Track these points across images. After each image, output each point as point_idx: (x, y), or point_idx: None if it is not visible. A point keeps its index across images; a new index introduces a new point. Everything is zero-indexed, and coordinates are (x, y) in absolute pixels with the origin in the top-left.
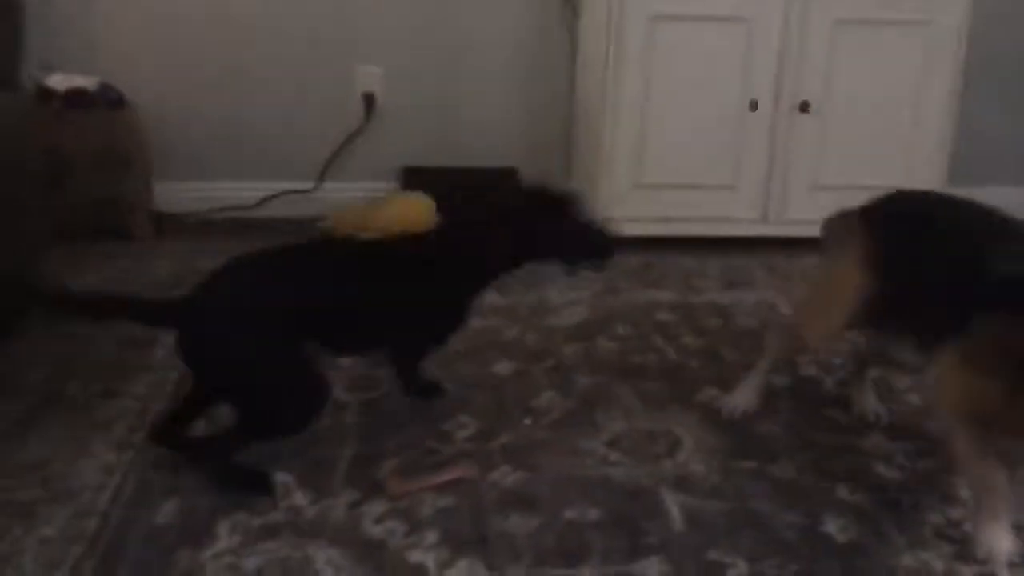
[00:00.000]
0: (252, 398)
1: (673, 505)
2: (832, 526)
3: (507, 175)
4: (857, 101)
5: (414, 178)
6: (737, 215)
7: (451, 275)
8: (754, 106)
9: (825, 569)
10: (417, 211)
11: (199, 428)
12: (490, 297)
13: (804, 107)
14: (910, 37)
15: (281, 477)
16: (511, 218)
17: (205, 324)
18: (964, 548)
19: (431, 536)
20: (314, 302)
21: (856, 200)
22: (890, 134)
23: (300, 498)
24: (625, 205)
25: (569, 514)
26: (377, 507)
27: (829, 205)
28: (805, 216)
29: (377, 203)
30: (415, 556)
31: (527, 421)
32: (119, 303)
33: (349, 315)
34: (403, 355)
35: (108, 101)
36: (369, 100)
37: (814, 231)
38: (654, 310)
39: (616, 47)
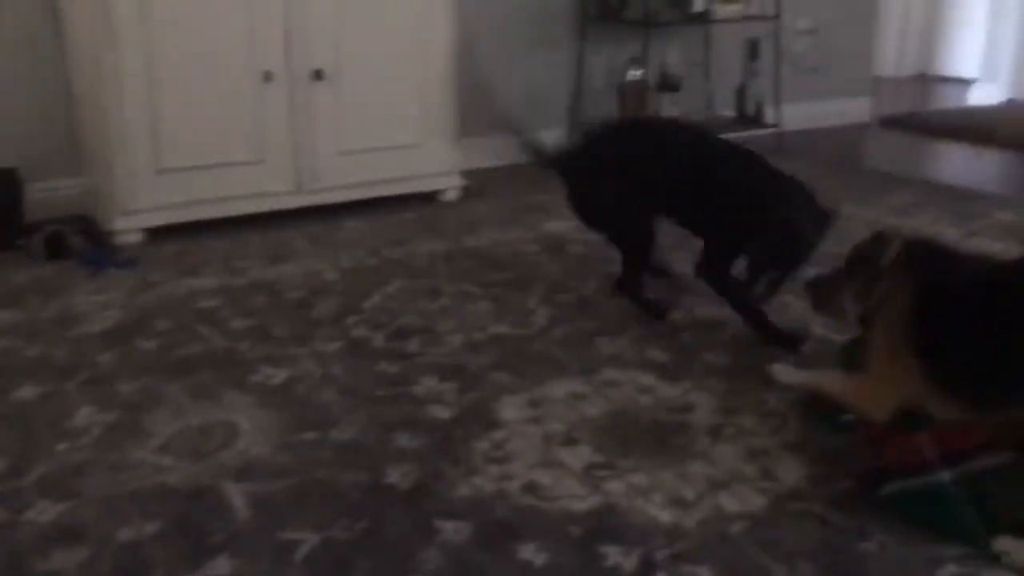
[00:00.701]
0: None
1: (236, 496)
2: (394, 475)
3: (4, 177)
4: (368, 64)
5: None
6: (270, 189)
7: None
8: (268, 77)
9: (391, 517)
10: None
11: None
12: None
13: (318, 75)
14: (405, 1)
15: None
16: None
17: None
18: (506, 466)
19: None
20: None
21: (381, 161)
22: (402, 95)
23: None
24: (148, 193)
25: (124, 534)
26: None
27: (358, 169)
28: (338, 182)
29: None
30: None
31: None
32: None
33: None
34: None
35: None
36: None
37: (349, 195)
38: (195, 299)
39: (106, 25)
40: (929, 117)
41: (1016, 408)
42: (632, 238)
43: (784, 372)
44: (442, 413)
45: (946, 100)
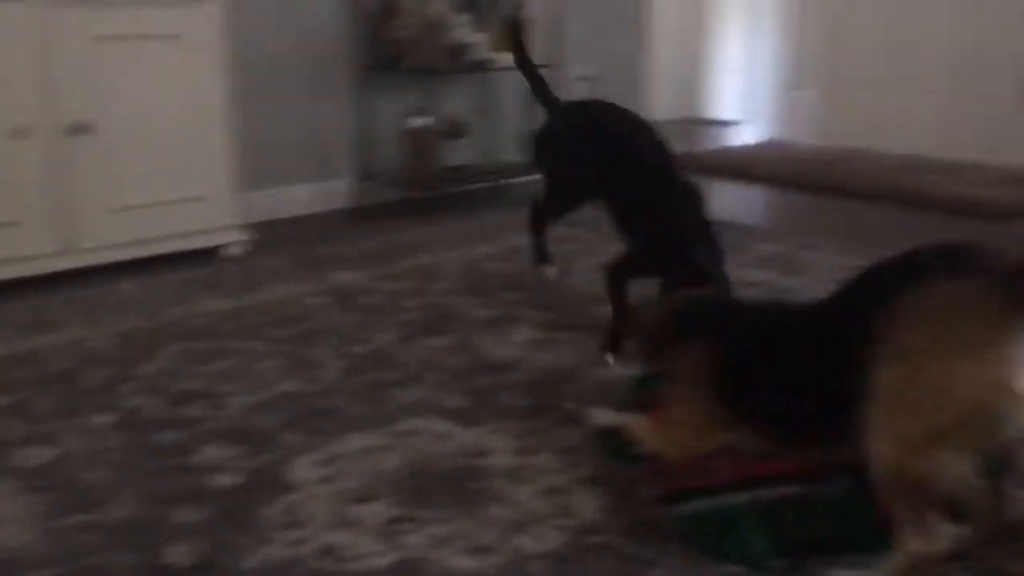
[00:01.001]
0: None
1: None
2: (175, 553)
3: None
4: (137, 117)
5: None
6: (30, 252)
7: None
8: (20, 133)
9: None
10: None
11: None
12: None
13: (80, 129)
14: (173, 50)
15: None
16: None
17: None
18: (299, 531)
19: None
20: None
21: (157, 217)
22: (176, 146)
23: None
24: None
25: None
26: None
27: (131, 226)
28: (109, 242)
29: None
30: None
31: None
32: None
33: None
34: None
35: None
36: None
37: (122, 255)
38: None
39: None
40: (698, 157)
41: (821, 449)
42: (562, 190)
43: (599, 415)
44: (228, 481)
45: (712, 141)
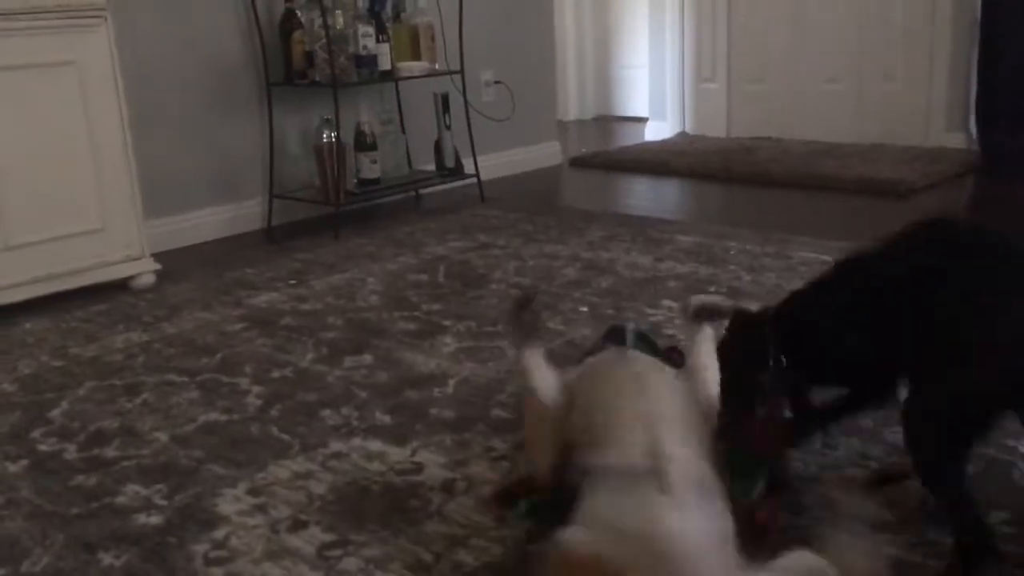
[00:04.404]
0: None
1: None
2: None
3: None
4: (26, 150)
5: None
6: None
7: None
8: None
9: None
10: None
11: None
12: None
13: None
14: (63, 80)
15: None
16: None
17: None
18: (231, 565)
19: None
20: None
21: (59, 252)
22: (71, 178)
23: None
24: None
25: None
26: None
27: (31, 263)
28: (7, 281)
29: None
30: None
31: None
32: None
33: None
34: None
35: None
36: None
37: (23, 294)
38: None
39: None
40: (613, 154)
41: None
42: None
43: None
44: (152, 520)
45: (625, 138)
